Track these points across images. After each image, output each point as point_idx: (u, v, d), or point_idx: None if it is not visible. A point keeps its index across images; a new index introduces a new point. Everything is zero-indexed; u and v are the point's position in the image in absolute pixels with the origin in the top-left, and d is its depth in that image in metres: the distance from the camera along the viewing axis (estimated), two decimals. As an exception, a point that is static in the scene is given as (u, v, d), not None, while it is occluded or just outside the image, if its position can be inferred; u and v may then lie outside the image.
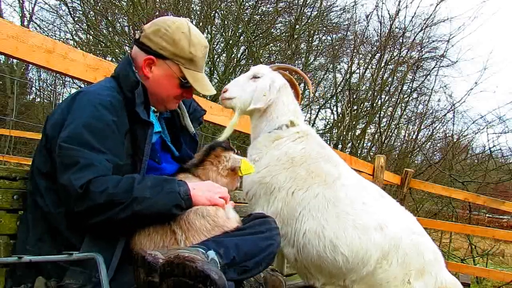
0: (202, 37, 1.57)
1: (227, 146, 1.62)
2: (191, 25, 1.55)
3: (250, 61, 7.64)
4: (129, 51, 1.58)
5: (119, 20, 7.89)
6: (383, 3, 10.47)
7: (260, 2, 8.02)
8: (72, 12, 7.94)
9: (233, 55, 8.19)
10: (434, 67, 9.26)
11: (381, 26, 8.80)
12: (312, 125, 8.70)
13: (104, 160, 1.30)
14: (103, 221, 1.26)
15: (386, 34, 8.73)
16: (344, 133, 8.37)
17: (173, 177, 1.42)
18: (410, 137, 9.67)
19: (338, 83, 9.08)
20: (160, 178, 1.36)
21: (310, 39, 8.79)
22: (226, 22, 7.94)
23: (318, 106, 9.25)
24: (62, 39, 8.30)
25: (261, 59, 7.46)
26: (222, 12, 7.82)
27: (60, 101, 1.60)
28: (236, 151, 1.64)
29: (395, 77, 9.06)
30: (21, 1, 9.58)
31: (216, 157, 1.58)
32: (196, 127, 1.79)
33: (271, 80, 2.01)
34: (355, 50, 8.86)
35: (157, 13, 6.63)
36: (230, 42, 7.81)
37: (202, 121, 1.88)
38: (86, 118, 1.32)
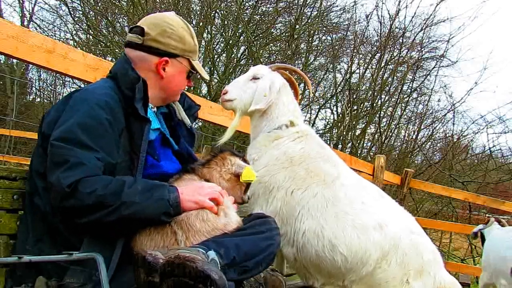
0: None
1: (236, 153, 1.64)
2: (180, 17, 1.63)
3: (250, 61, 7.65)
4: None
5: (119, 20, 7.91)
6: (383, 3, 10.50)
7: (260, 2, 8.03)
8: (72, 12, 7.96)
9: (233, 55, 8.21)
10: (434, 67, 9.29)
11: (381, 26, 8.83)
12: (312, 125, 8.72)
13: (94, 158, 1.28)
14: (91, 222, 1.25)
15: (386, 34, 8.74)
16: (344, 133, 8.38)
17: (164, 183, 1.39)
18: (410, 137, 9.70)
19: (338, 83, 9.10)
20: (151, 183, 1.35)
21: (310, 39, 8.80)
22: (226, 22, 7.96)
23: (318, 106, 9.27)
24: (62, 39, 8.32)
25: (261, 59, 7.47)
26: (222, 12, 7.83)
27: (59, 101, 1.63)
28: (246, 160, 1.65)
29: (395, 77, 9.08)
30: (21, 1, 9.59)
31: (222, 159, 1.59)
32: (192, 123, 1.80)
33: (271, 81, 2.01)
34: (355, 50, 8.88)
35: (157, 13, 6.63)
36: (230, 42, 7.82)
37: (197, 116, 1.89)
38: (80, 117, 1.32)
